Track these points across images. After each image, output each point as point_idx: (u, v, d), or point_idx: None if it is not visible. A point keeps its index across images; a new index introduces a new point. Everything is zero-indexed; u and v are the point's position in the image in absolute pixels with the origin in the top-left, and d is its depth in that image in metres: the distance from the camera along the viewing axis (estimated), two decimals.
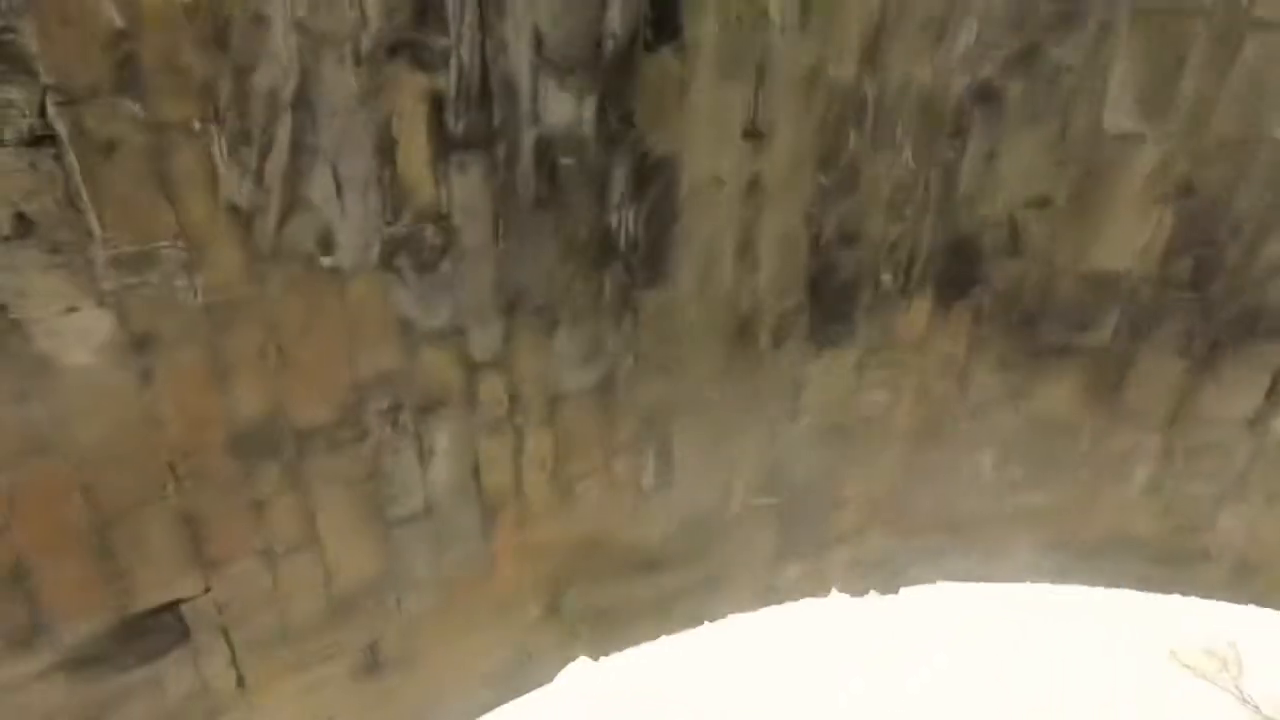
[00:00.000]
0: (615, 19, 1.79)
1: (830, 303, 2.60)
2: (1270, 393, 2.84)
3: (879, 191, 2.37)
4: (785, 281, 2.47)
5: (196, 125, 1.49)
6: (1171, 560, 3.22)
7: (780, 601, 3.36)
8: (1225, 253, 2.48)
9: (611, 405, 2.40)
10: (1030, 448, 3.01)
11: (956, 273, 2.64)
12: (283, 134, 1.58)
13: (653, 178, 2.08)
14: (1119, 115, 2.31)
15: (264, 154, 1.58)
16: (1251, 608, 3.20)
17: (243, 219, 1.62)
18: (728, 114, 2.07)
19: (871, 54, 2.09)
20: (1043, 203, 2.55)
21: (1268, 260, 2.48)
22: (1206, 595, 3.17)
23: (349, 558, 2.16)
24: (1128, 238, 2.56)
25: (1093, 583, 3.35)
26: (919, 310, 2.67)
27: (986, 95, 2.27)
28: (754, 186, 2.23)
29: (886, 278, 2.58)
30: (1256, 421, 2.90)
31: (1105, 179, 2.44)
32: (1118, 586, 3.30)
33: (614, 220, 2.09)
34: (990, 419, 2.94)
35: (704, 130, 2.06)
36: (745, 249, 2.36)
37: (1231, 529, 3.08)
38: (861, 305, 2.63)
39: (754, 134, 2.12)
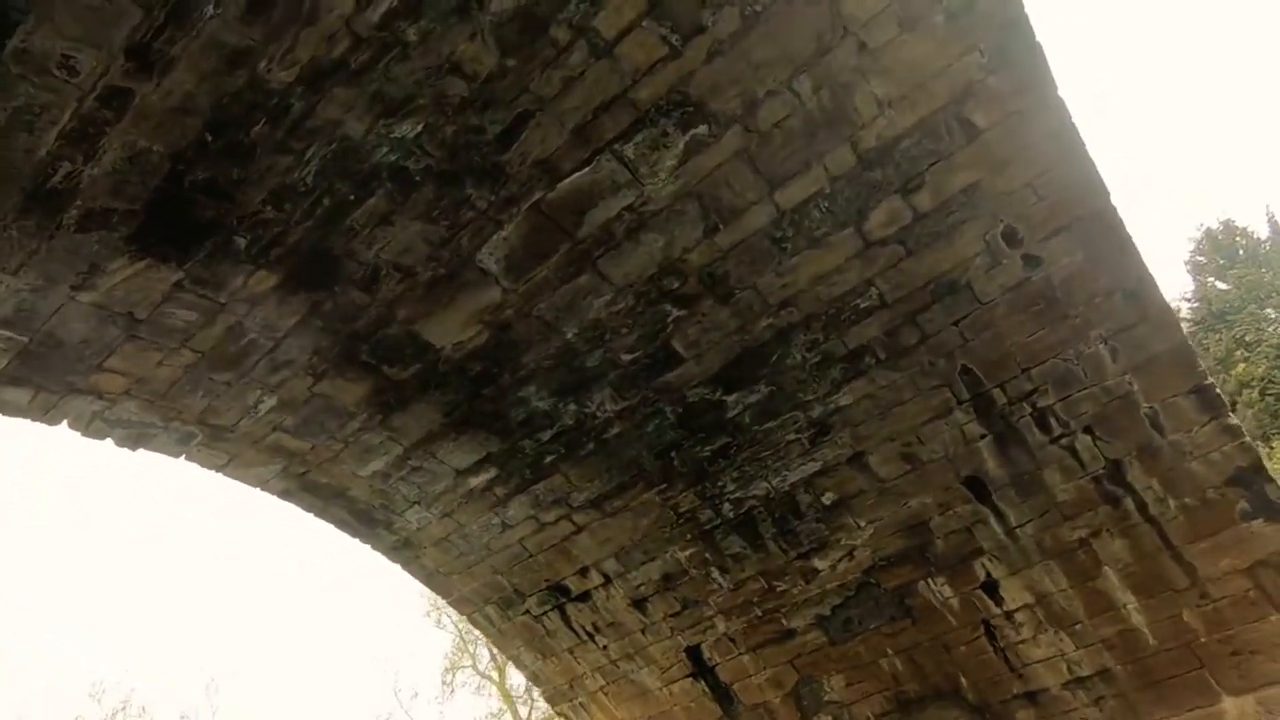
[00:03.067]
0: None
1: (174, 227, 2.56)
2: (486, 461, 3.91)
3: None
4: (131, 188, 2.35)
5: None
6: (366, 518, 4.18)
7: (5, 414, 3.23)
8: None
9: None
10: (308, 413, 3.51)
11: (312, 272, 2.89)
12: None
13: None
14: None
15: None
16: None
17: None
18: None
19: None
20: (409, 273, 2.98)
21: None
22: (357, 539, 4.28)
23: None
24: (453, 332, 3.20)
25: (305, 509, 4.12)
26: (261, 280, 2.83)
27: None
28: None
29: (241, 240, 2.67)
30: (468, 472, 3.95)
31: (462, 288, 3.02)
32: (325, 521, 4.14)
33: None
34: (287, 381, 3.32)
35: None
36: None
37: (417, 524, 4.17)
38: (207, 246, 2.66)
39: None
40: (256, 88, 2.29)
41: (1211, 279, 17.42)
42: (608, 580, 4.46)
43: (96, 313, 2.79)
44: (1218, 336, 15.81)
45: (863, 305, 3.31)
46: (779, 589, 4.22)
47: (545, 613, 4.67)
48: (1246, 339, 15.22)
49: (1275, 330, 15.45)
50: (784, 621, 4.27)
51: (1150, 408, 3.36)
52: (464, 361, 3.46)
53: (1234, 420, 3.34)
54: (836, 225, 3.07)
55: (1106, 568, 3.64)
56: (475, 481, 4.05)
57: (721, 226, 3.05)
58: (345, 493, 4.08)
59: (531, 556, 4.42)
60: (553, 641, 4.79)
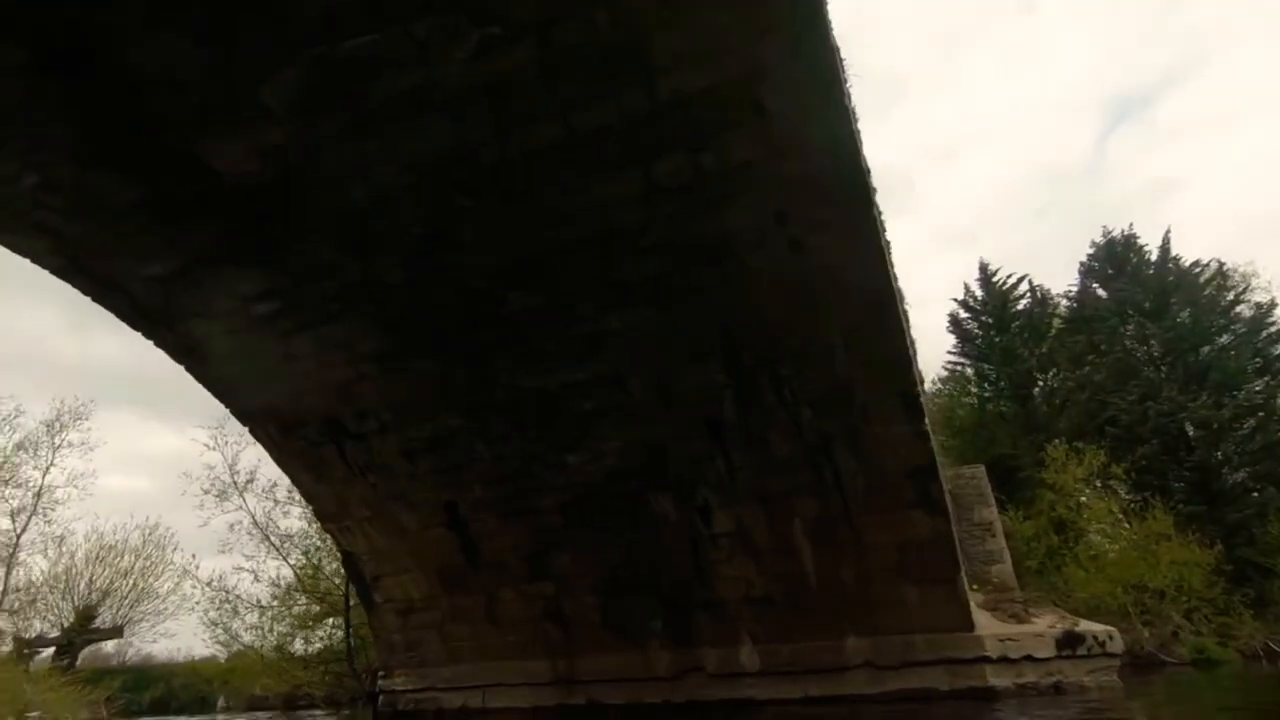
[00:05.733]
0: None
1: None
2: (272, 295, 3.92)
3: None
4: None
5: None
6: (146, 315, 4.17)
7: None
8: None
9: None
10: (78, 200, 3.41)
11: (66, 58, 2.74)
12: None
13: None
14: None
15: None
16: None
17: None
18: None
19: None
20: (179, 89, 2.86)
21: None
22: None
23: None
24: None
25: (83, 292, 4.07)
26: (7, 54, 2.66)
27: None
28: None
29: None
30: (253, 300, 3.97)
31: None
32: None
33: None
34: (51, 162, 3.19)
35: None
36: None
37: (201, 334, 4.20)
38: None
39: None
40: None
41: (1095, 285, 18.59)
42: (384, 429, 4.73)
43: None
44: (1079, 338, 17.20)
45: (643, 243, 3.47)
46: (533, 471, 4.63)
47: (323, 444, 4.93)
48: (1100, 346, 16.64)
49: (1124, 343, 16.90)
50: (532, 500, 4.72)
51: (864, 400, 3.81)
52: (249, 194, 3.41)
53: (926, 428, 3.85)
54: (627, 161, 3.15)
55: (797, 519, 4.22)
56: (261, 309, 4.09)
57: (513, 131, 3.06)
58: (124, 287, 4.04)
59: (315, 391, 4.60)
60: (328, 470, 5.09)
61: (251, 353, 4.41)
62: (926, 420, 3.86)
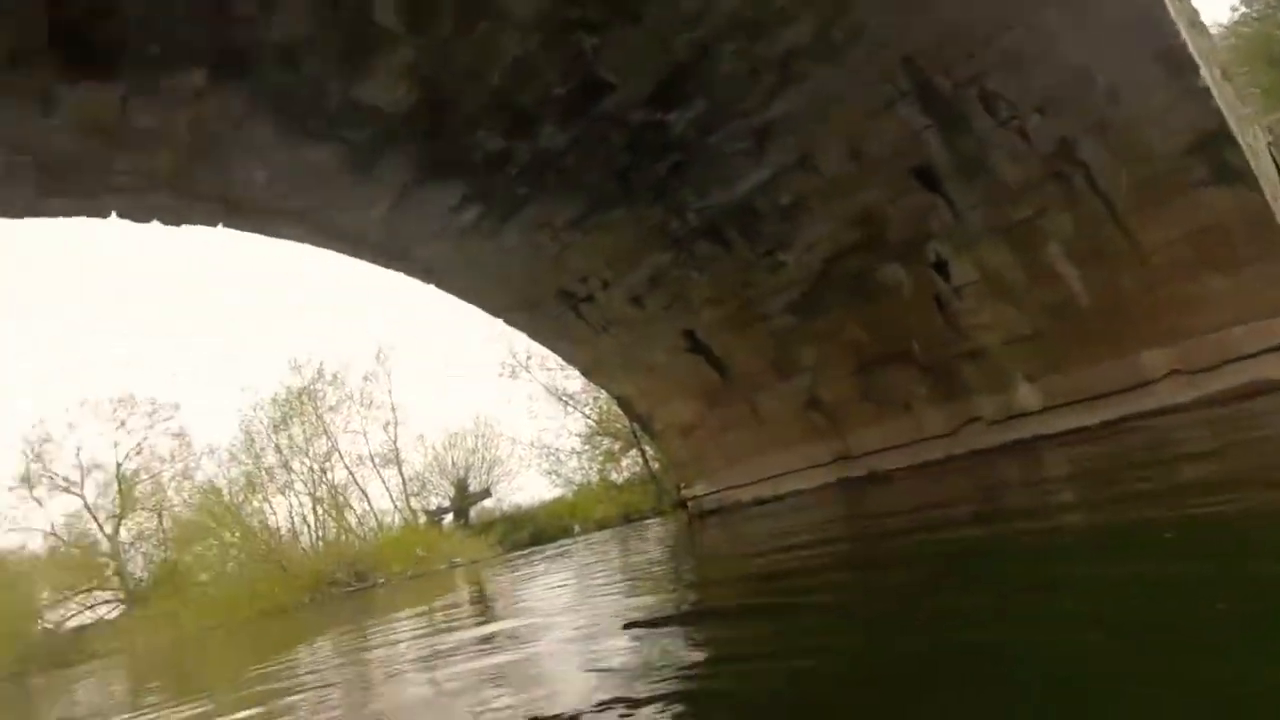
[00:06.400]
0: None
1: (87, 47, 2.80)
2: (468, 200, 4.28)
3: None
4: None
5: None
6: (387, 252, 4.85)
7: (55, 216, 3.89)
8: None
9: None
10: (299, 179, 3.96)
11: (229, 65, 3.09)
12: None
13: None
14: None
15: None
16: None
17: None
18: None
19: None
20: (314, 48, 3.09)
21: None
22: None
23: None
24: None
25: (338, 251, 4.81)
26: (193, 78, 3.08)
27: None
28: None
29: (154, 48, 2.87)
30: (456, 210, 4.39)
31: None
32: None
33: None
34: (265, 154, 3.72)
35: None
36: None
37: (432, 255, 4.78)
38: (129, 57, 2.90)
39: None
40: None
41: None
42: (606, 284, 5.05)
43: (72, 134, 3.20)
44: None
45: (783, 5, 3.06)
46: (753, 281, 4.64)
47: (562, 313, 5.44)
48: None
49: None
50: (760, 307, 4.78)
51: (1107, 78, 3.09)
52: (409, 117, 3.64)
53: (1203, 82, 3.03)
54: None
55: (1051, 241, 3.72)
56: (466, 217, 4.49)
57: None
58: (365, 236, 4.68)
59: (536, 271, 5.02)
60: (575, 333, 5.64)
61: (473, 258, 4.91)
62: (1204, 72, 3.04)
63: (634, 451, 13.02)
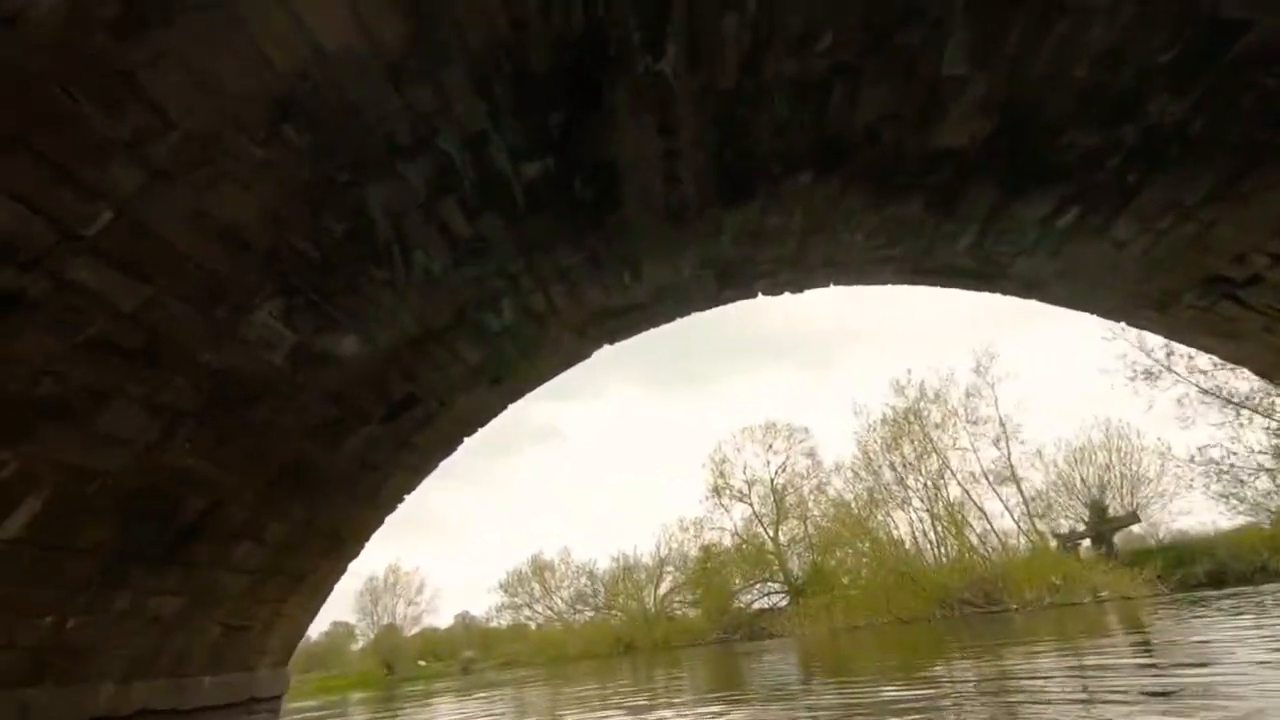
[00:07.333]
0: None
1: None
2: (1064, 203, 4.07)
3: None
4: None
5: None
6: (980, 277, 4.91)
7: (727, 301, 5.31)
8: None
9: None
10: (891, 230, 4.45)
11: (829, 155, 3.75)
12: None
13: None
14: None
15: None
16: None
17: None
18: None
19: None
20: (894, 117, 3.50)
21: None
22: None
23: None
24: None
25: (930, 285, 5.11)
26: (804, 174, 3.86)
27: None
28: None
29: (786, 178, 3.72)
30: (1051, 217, 4.22)
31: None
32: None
33: None
34: (854, 217, 4.33)
35: None
36: None
37: (1029, 268, 4.66)
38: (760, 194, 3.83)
39: None
40: None
41: None
42: (1275, 260, 3.88)
43: (733, 244, 4.36)
44: None
45: None
46: None
47: (1214, 303, 4.41)
48: None
49: None
50: None
51: None
52: (986, 145, 3.68)
53: None
54: None
55: None
56: (1063, 221, 4.17)
57: None
58: (952, 265, 4.83)
59: (1164, 261, 4.24)
60: (1238, 325, 4.48)
61: (1077, 263, 4.46)
62: None
63: None
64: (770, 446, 25.70)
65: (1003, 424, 18.29)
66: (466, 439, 5.58)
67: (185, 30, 1.92)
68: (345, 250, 3.12)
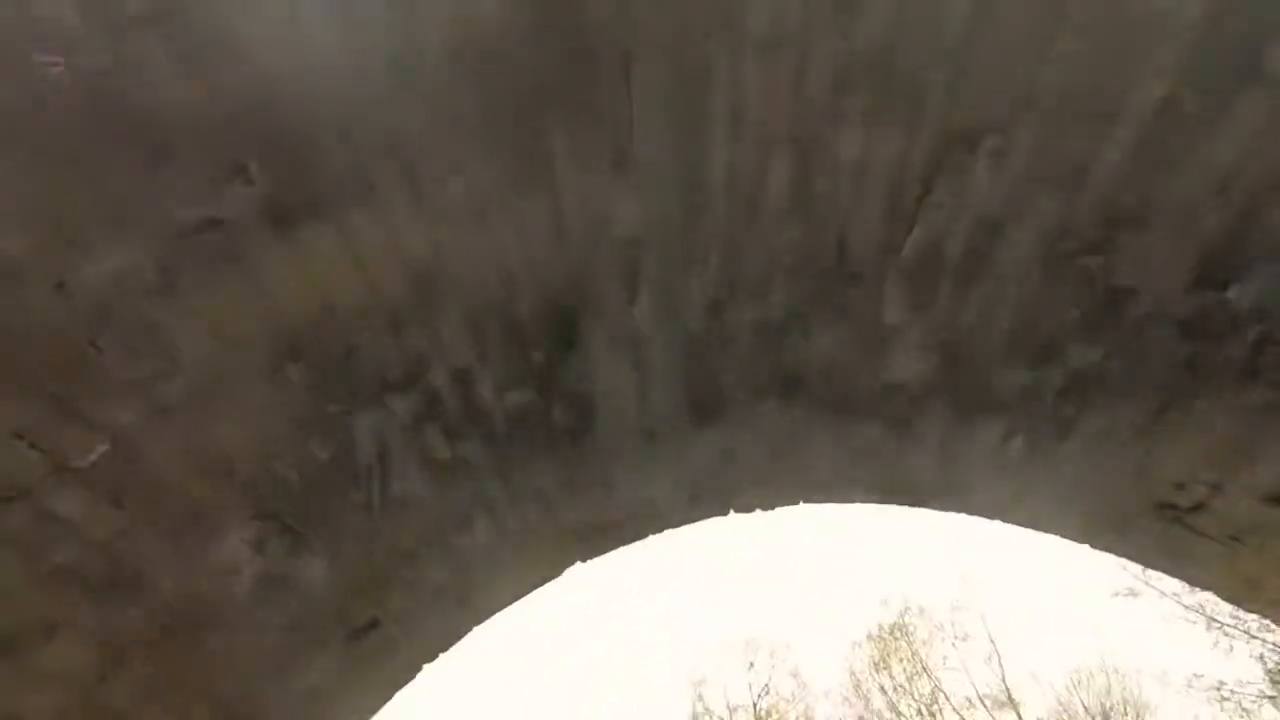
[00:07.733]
0: None
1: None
2: None
3: None
4: None
5: None
6: (946, 496, 5.02)
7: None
8: None
9: None
10: (853, 454, 4.64)
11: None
12: None
13: None
14: None
15: None
16: None
17: None
18: None
19: None
20: (846, 355, 3.83)
21: None
22: None
23: None
24: None
25: (898, 504, 5.21)
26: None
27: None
28: None
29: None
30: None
31: None
32: None
33: None
34: (824, 444, 4.52)
35: None
36: None
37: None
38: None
39: None
40: None
41: None
42: (1216, 487, 4.12)
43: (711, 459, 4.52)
44: None
45: None
46: None
47: (1167, 529, 4.56)
48: None
49: None
50: None
51: None
52: (933, 379, 4.02)
53: None
54: None
55: None
56: (1012, 447, 4.44)
57: None
58: (919, 488, 5.01)
59: (1113, 487, 4.46)
60: (1196, 550, 4.60)
61: (1031, 487, 4.67)
62: None
63: None
64: (752, 665, 24.00)
65: (993, 641, 17.47)
66: (426, 666, 5.24)
67: (215, 293, 2.18)
68: (326, 475, 3.20)
